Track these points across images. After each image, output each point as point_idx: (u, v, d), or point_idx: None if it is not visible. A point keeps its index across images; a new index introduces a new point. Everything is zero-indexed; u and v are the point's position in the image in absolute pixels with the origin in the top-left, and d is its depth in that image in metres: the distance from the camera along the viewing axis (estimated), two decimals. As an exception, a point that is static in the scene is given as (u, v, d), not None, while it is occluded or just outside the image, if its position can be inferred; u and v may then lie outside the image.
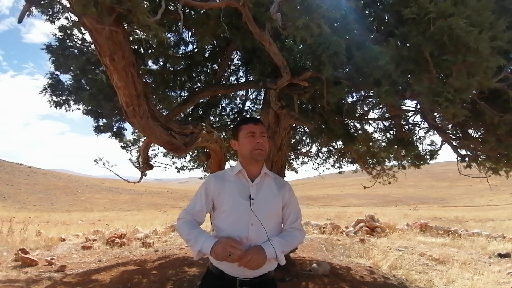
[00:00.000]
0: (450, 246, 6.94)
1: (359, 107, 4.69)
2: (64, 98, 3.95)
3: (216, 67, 4.81)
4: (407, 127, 4.81)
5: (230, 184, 1.51)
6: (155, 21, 1.89)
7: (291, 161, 7.09)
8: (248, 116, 5.76)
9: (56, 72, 3.86)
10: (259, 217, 1.44)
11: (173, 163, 6.87)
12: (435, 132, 4.34)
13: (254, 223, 1.43)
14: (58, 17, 3.48)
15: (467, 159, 4.11)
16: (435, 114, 3.81)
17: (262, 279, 1.45)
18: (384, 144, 5.27)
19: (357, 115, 4.64)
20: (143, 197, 59.93)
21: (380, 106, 4.85)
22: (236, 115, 5.70)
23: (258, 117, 3.86)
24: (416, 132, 4.82)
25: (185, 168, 6.96)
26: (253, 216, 1.44)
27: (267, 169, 1.59)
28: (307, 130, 5.91)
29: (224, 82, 5.10)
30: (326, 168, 7.08)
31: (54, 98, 3.91)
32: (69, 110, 4.04)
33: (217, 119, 5.76)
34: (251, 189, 1.49)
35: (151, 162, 5.18)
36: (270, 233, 1.46)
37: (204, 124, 3.77)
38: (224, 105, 5.79)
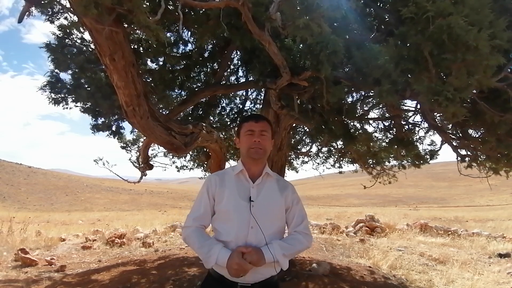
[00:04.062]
0: (450, 246, 6.94)
1: (359, 107, 4.68)
2: (62, 95, 3.95)
3: (216, 67, 4.80)
4: (407, 127, 4.81)
5: (231, 184, 1.46)
6: (155, 22, 1.89)
7: (291, 161, 7.10)
8: (250, 114, 5.76)
9: (56, 70, 3.86)
10: (259, 220, 1.39)
11: (173, 163, 6.89)
12: (435, 132, 4.34)
13: (254, 226, 1.38)
14: (57, 17, 3.48)
15: (467, 159, 4.11)
16: (435, 114, 3.81)
17: (263, 285, 1.40)
18: (384, 144, 5.27)
19: (357, 115, 4.63)
20: (143, 197, 59.82)
21: (380, 106, 4.85)
22: (236, 115, 5.71)
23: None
24: (416, 132, 4.82)
25: (185, 168, 6.96)
26: (253, 219, 1.39)
27: (269, 170, 1.54)
28: (307, 130, 5.91)
29: (224, 82, 5.10)
30: (326, 168, 7.10)
31: (53, 95, 3.90)
32: (67, 108, 4.03)
33: (217, 119, 5.76)
34: (252, 190, 1.44)
35: (151, 162, 5.18)
36: (270, 237, 1.41)
37: (204, 124, 3.77)
38: (224, 105, 5.81)
